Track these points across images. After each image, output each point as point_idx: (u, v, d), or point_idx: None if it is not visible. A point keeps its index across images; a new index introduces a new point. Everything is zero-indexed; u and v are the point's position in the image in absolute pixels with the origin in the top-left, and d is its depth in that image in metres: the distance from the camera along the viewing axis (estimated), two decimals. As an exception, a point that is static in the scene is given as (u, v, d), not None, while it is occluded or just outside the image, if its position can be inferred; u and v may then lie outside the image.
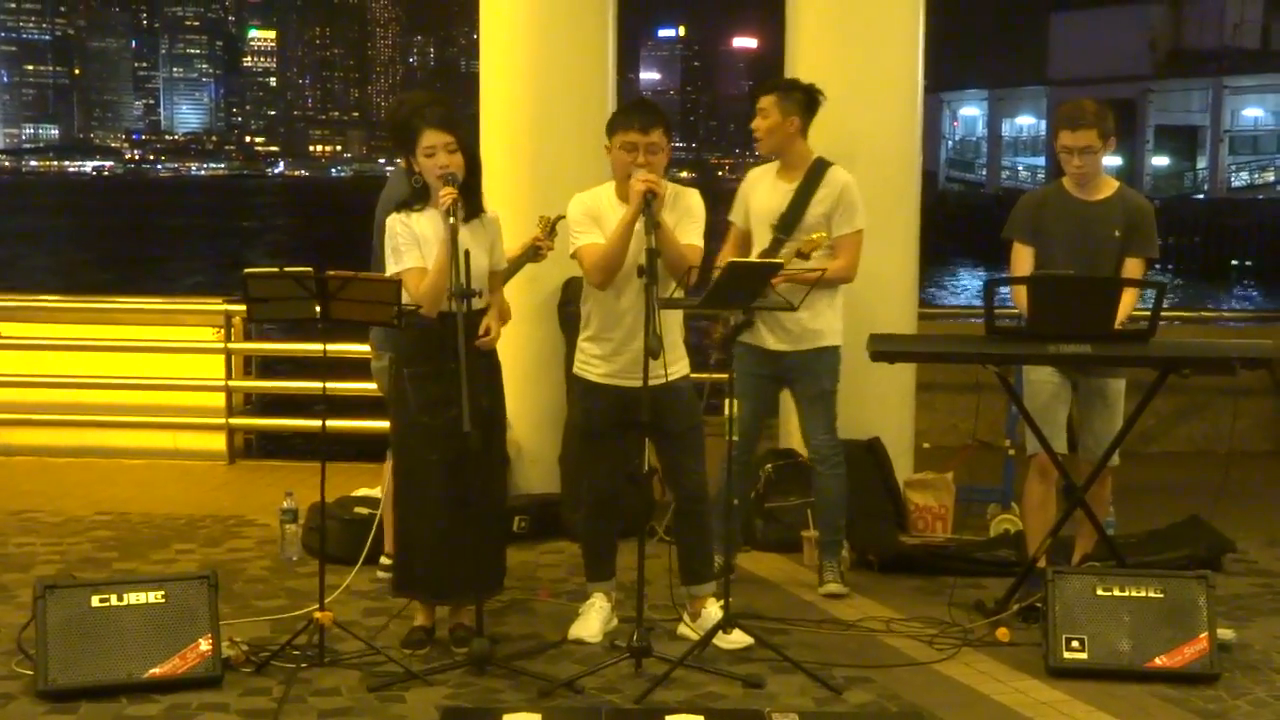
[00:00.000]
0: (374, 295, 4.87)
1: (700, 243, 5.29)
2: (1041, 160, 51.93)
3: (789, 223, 5.94)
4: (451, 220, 4.89)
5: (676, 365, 5.25)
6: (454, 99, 6.25)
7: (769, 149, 6.08)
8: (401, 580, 5.36)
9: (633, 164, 5.11)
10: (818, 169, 6.02)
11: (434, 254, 5.00)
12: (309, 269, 4.84)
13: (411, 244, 5.07)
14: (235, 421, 8.91)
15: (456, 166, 5.06)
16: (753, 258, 5.81)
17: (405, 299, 4.92)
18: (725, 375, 5.32)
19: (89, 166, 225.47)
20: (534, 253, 5.91)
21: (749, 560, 6.42)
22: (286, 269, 4.85)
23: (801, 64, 7.18)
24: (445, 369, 4.92)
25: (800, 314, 5.65)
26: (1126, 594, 5.07)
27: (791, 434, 6.32)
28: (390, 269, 5.07)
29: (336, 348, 7.61)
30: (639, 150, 5.13)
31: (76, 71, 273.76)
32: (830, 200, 5.94)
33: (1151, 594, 5.07)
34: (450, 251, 4.83)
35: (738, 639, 5.19)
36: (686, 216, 5.25)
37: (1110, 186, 5.82)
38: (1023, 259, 5.82)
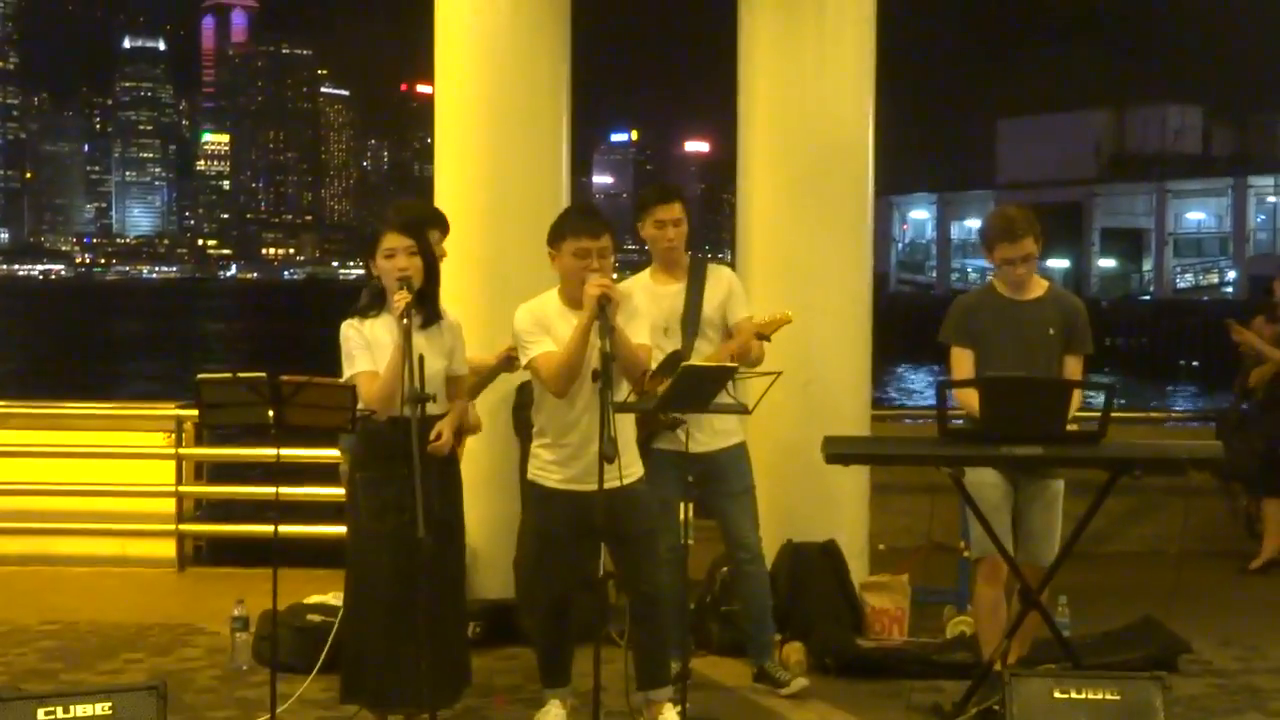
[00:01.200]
0: (328, 400, 4.86)
1: (649, 341, 5.31)
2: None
3: (693, 322, 5.96)
4: (405, 322, 4.90)
5: (632, 468, 5.25)
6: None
7: (676, 258, 6.07)
8: (349, 687, 5.27)
9: (585, 269, 5.14)
10: (699, 266, 6.08)
11: (387, 358, 5.00)
12: (262, 374, 4.83)
13: (363, 348, 5.08)
14: (185, 527, 8.82)
15: (415, 270, 5.07)
16: (703, 361, 5.82)
17: (360, 404, 4.91)
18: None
19: (38, 270, 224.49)
20: (508, 362, 5.92)
21: (705, 664, 6.37)
22: (240, 374, 4.85)
23: (755, 167, 7.28)
24: (397, 474, 4.91)
25: (715, 413, 5.69)
26: (1084, 696, 5.04)
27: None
28: (345, 374, 5.07)
29: (289, 453, 7.57)
30: (591, 256, 5.17)
31: (28, 175, 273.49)
32: (723, 293, 6.01)
33: (1109, 696, 5.04)
34: (404, 356, 4.83)
35: (696, 746, 5.14)
36: (634, 317, 5.27)
37: (1041, 286, 5.89)
38: (963, 362, 5.86)
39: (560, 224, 5.35)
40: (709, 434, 5.91)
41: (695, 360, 5.70)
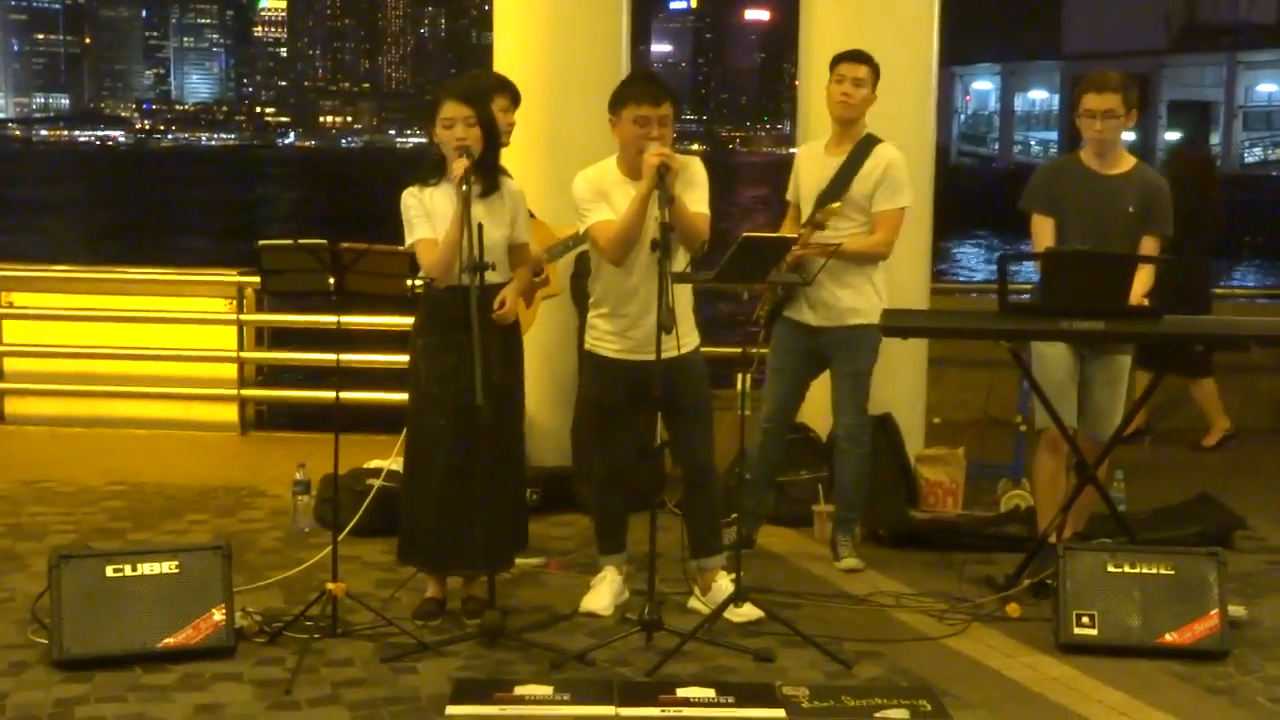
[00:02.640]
0: (388, 268, 4.87)
1: (707, 210, 5.28)
2: (1054, 135, 51.86)
3: (830, 197, 5.87)
4: (464, 189, 4.89)
5: (688, 339, 5.25)
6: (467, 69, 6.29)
7: (850, 118, 5.96)
8: (405, 549, 5.37)
9: (645, 138, 5.09)
10: (866, 144, 5.95)
11: (446, 227, 5.01)
12: (323, 241, 4.85)
13: (422, 216, 5.08)
14: (247, 393, 8.94)
15: (474, 140, 5.05)
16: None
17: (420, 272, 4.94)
18: (765, 349, 5.31)
19: (97, 136, 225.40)
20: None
21: (760, 534, 6.42)
22: (301, 241, 4.86)
23: (816, 38, 7.17)
24: (456, 341, 4.94)
25: (842, 291, 5.69)
26: (1137, 570, 5.08)
27: (803, 408, 6.32)
28: (406, 243, 5.09)
29: (350, 320, 7.63)
30: (651, 124, 5.11)
31: (87, 40, 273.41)
32: (875, 176, 5.88)
33: (1162, 570, 5.07)
34: (463, 224, 4.84)
35: (748, 613, 5.20)
36: (691, 186, 5.22)
37: (1128, 161, 5.79)
38: (1044, 230, 5.77)
39: (621, 91, 5.29)
40: (828, 312, 5.88)
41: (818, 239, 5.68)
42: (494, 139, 5.20)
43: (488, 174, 5.11)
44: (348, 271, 4.84)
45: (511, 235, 5.20)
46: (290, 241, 4.89)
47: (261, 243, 4.89)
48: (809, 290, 5.79)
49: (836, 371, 6.02)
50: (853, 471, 6.06)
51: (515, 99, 6.05)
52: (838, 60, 5.98)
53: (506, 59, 7.19)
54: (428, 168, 5.15)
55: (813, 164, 6.04)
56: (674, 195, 4.98)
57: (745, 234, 4.89)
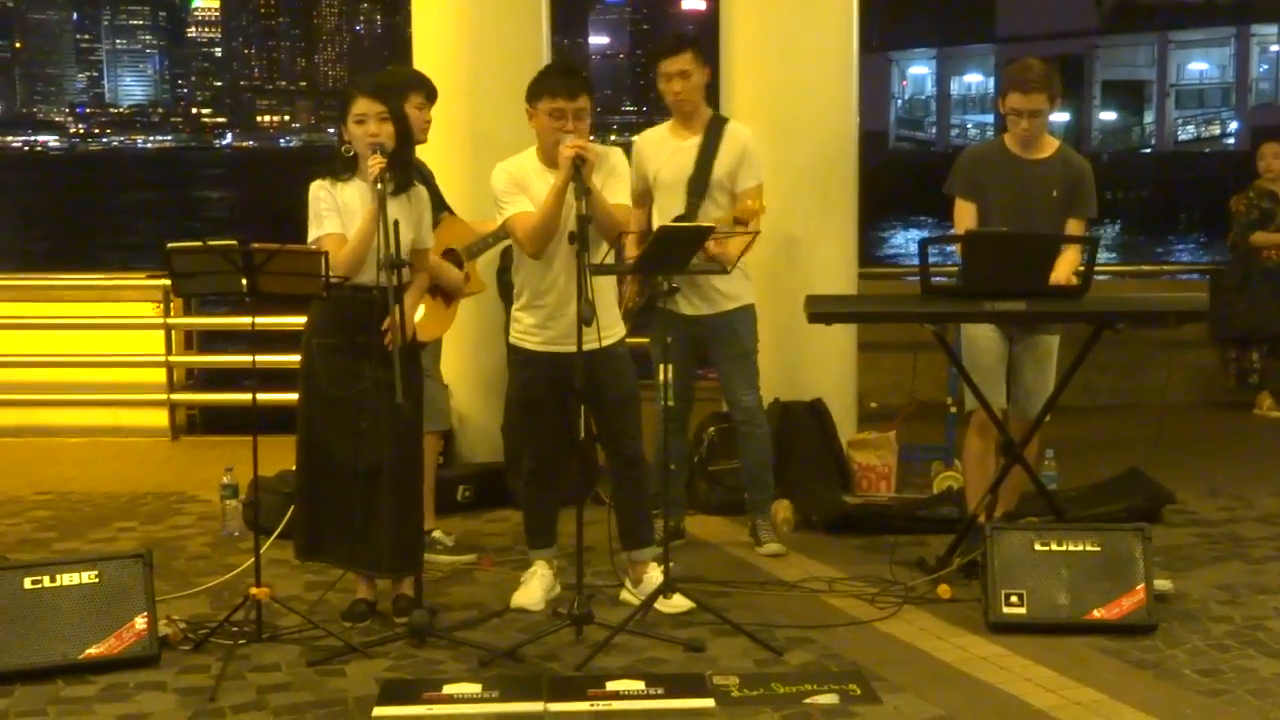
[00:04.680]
0: (301, 268, 4.80)
1: (628, 202, 5.26)
2: (990, 118, 52.03)
3: (700, 183, 5.88)
4: (379, 187, 4.84)
5: (611, 330, 5.22)
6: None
7: (693, 107, 5.95)
8: (304, 547, 5.24)
9: (560, 130, 5.07)
10: (716, 125, 5.96)
11: (356, 224, 4.95)
12: (233, 242, 4.77)
13: (332, 211, 5.01)
14: (176, 397, 8.84)
15: (386, 136, 5.00)
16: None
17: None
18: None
19: (27, 141, 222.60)
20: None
21: (693, 524, 6.42)
22: (210, 243, 4.78)
23: (737, 25, 7.16)
24: (353, 343, 4.92)
25: (714, 278, 5.66)
26: (1064, 548, 5.10)
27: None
28: (311, 235, 5.02)
29: (268, 321, 7.54)
30: (567, 116, 5.09)
31: (17, 45, 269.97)
32: (734, 156, 5.89)
33: (1089, 547, 5.10)
34: (377, 222, 4.78)
35: (679, 603, 5.19)
36: (612, 176, 5.20)
37: (1050, 146, 5.81)
38: (965, 214, 5.80)
39: (537, 83, 5.26)
40: (703, 300, 5.88)
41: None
42: (407, 135, 5.15)
43: (402, 171, 5.05)
44: (259, 272, 4.75)
45: (416, 239, 5.13)
46: (199, 243, 4.80)
47: (170, 245, 4.79)
48: (680, 281, 5.77)
49: (723, 357, 6.03)
50: (758, 452, 6.10)
51: (431, 96, 6.00)
52: (659, 58, 5.98)
53: (425, 53, 7.15)
54: (339, 162, 5.08)
55: (662, 151, 5.98)
56: (590, 187, 4.95)
57: (662, 225, 4.88)
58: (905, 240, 38.14)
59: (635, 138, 6.32)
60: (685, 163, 5.91)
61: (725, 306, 5.92)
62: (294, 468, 5.29)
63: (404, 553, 5.09)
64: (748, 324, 6.00)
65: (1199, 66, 54.30)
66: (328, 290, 4.73)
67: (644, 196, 6.02)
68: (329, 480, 5.13)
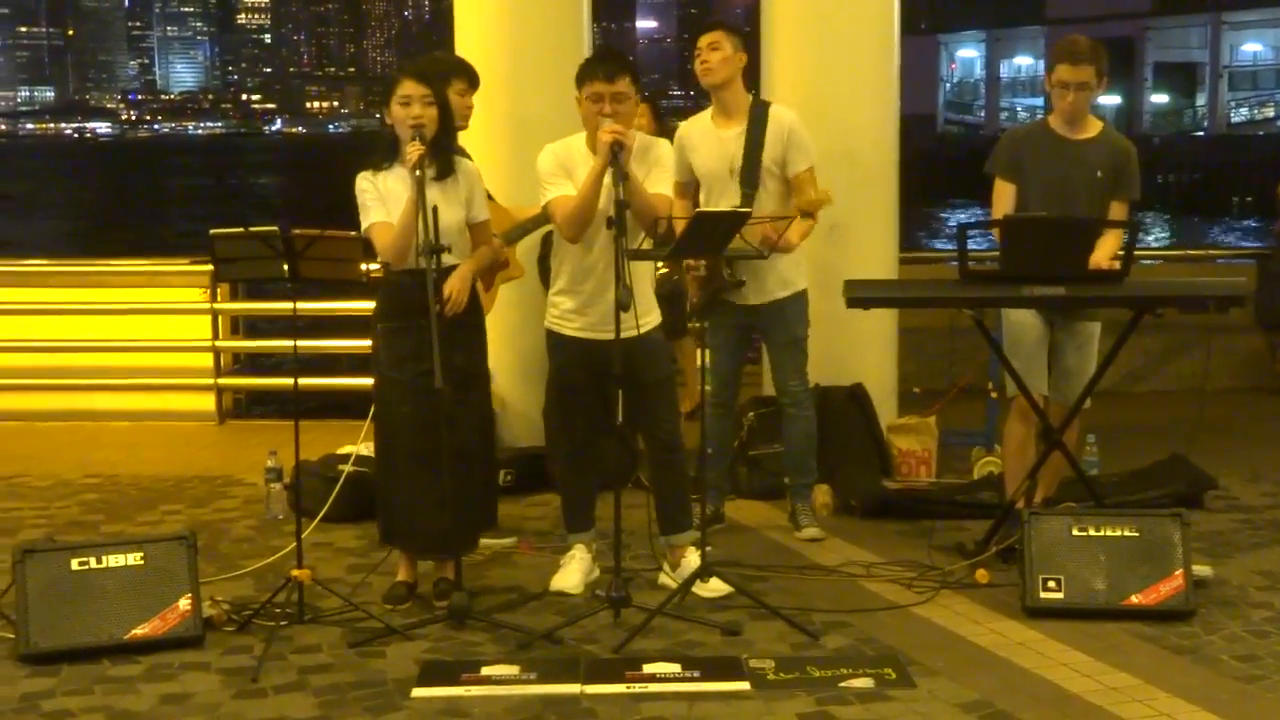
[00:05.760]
0: (341, 253, 4.86)
1: (670, 192, 5.27)
2: (1040, 101, 51.70)
3: (751, 173, 5.84)
4: (418, 174, 4.88)
5: (648, 317, 5.25)
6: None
7: (721, 79, 5.87)
8: (386, 530, 5.38)
9: (599, 115, 5.09)
10: (759, 111, 5.92)
11: (400, 210, 5.00)
12: (274, 228, 4.83)
13: (377, 200, 5.07)
14: (223, 381, 8.93)
15: (429, 119, 5.03)
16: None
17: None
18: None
19: (74, 128, 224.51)
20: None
21: (732, 508, 6.43)
22: (252, 229, 4.84)
23: (778, 9, 7.15)
24: (414, 325, 4.94)
25: (763, 264, 5.67)
26: (1102, 533, 5.09)
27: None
28: (362, 227, 5.08)
29: (310, 306, 7.62)
30: (605, 100, 5.11)
31: (70, 32, 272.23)
32: (781, 141, 5.87)
33: (1127, 533, 5.08)
34: (417, 207, 4.83)
35: (716, 587, 5.21)
36: (657, 167, 5.23)
37: (1095, 126, 5.77)
38: (1004, 195, 5.77)
39: (580, 69, 5.30)
40: (757, 290, 5.88)
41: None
42: (449, 121, 5.19)
43: (442, 157, 5.09)
44: (300, 258, 4.81)
45: (469, 215, 5.18)
46: (241, 230, 4.86)
47: (213, 231, 4.87)
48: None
49: (773, 343, 6.06)
50: (802, 436, 6.10)
51: (473, 82, 6.04)
52: (695, 45, 5.98)
53: (467, 40, 7.18)
54: (380, 151, 5.13)
55: (707, 140, 5.95)
56: (628, 173, 4.97)
57: (698, 210, 4.89)
58: (950, 223, 37.93)
59: (680, 125, 6.31)
60: (731, 153, 5.87)
61: (778, 295, 5.92)
62: (361, 451, 5.34)
63: (463, 530, 5.15)
64: (799, 310, 6.00)
65: (1253, 48, 53.68)
66: (368, 277, 4.77)
67: (688, 186, 6.00)
68: (399, 463, 5.20)
